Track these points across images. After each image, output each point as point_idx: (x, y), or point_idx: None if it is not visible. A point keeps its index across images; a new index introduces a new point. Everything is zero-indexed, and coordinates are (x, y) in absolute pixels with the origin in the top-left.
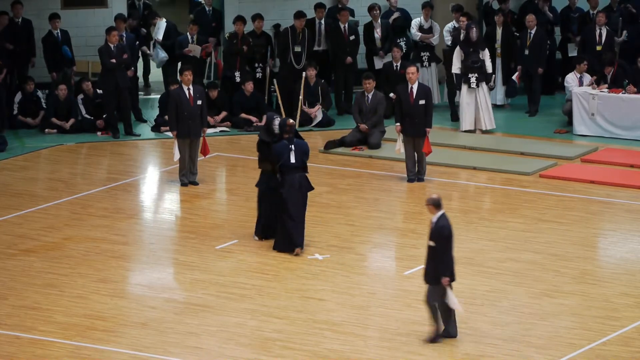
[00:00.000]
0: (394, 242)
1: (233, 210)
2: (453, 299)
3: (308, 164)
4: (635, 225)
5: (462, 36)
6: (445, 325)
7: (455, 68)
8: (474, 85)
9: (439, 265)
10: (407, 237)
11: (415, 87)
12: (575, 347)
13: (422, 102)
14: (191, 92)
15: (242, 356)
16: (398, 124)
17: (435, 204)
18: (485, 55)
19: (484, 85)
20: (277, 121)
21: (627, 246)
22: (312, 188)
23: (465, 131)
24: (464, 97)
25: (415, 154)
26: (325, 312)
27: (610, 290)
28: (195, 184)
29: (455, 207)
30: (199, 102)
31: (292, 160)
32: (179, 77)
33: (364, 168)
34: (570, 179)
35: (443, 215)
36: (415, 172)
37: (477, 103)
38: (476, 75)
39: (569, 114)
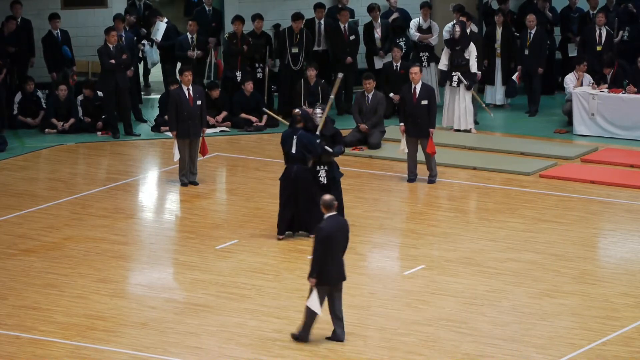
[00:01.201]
0: (394, 242)
1: (233, 210)
2: (315, 300)
3: None
4: (635, 225)
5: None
6: (334, 327)
7: (442, 65)
8: (454, 84)
9: (312, 264)
10: (407, 237)
11: (418, 87)
12: (575, 347)
13: (424, 102)
14: (191, 92)
15: (242, 356)
16: (402, 124)
17: (325, 205)
18: (472, 54)
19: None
20: (318, 110)
21: (627, 246)
22: (311, 181)
23: (444, 128)
24: (446, 95)
25: (424, 156)
26: (326, 312)
27: (610, 290)
28: (195, 184)
29: (455, 207)
30: (199, 103)
31: (293, 150)
32: (178, 77)
33: (364, 168)
34: (570, 179)
35: (329, 218)
36: (416, 173)
37: (456, 102)
38: (459, 74)
39: (569, 114)
